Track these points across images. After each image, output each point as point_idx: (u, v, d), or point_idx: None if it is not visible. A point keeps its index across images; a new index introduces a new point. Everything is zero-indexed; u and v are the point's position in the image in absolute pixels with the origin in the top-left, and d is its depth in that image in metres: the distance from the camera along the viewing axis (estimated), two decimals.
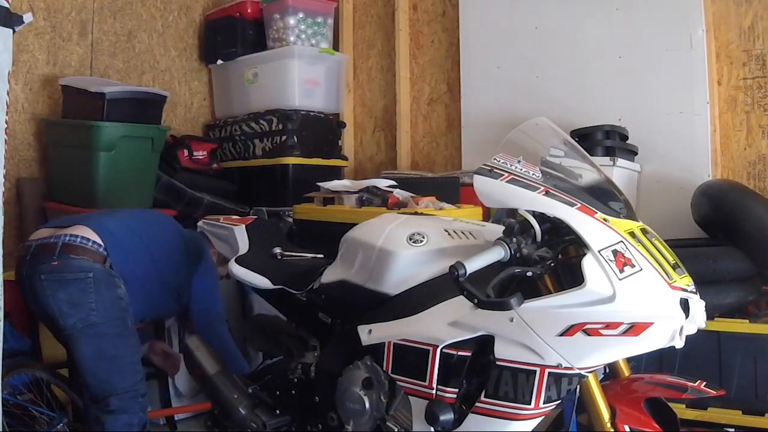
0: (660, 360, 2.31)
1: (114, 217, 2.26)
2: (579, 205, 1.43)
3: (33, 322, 2.94)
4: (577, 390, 1.47)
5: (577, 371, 1.38)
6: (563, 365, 1.38)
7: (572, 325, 1.36)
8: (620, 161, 2.75)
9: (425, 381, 1.57)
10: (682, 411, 2.28)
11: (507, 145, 1.61)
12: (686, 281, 1.41)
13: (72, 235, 2.04)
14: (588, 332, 1.35)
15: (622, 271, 1.35)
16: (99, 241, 2.06)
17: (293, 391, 2.06)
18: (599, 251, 1.36)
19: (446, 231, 1.78)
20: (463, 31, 3.48)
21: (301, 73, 3.59)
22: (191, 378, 2.32)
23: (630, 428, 1.46)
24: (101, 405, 1.97)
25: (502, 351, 1.45)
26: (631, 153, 2.88)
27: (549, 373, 1.39)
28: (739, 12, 2.84)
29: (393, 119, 3.80)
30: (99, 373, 1.99)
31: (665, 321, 1.33)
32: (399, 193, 2.64)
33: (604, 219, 1.42)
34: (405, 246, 1.74)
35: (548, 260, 1.44)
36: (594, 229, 1.40)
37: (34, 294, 2.02)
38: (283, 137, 3.53)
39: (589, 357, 1.37)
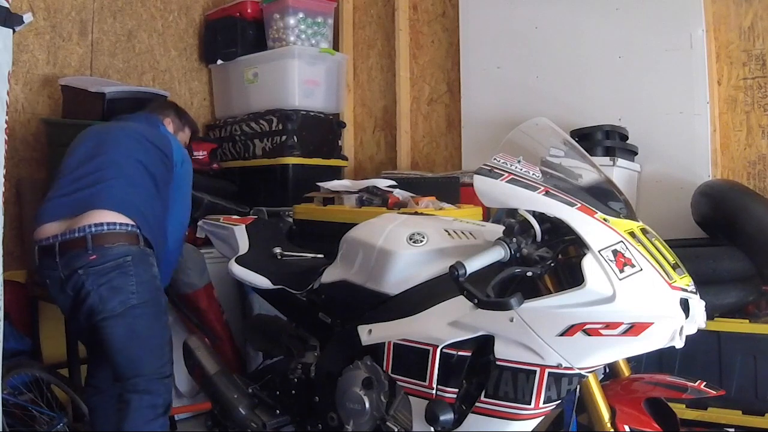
0: (660, 360, 2.30)
1: (118, 182, 2.12)
2: (579, 205, 1.44)
3: (33, 322, 2.94)
4: (577, 390, 1.47)
5: (577, 371, 1.38)
6: (563, 365, 1.38)
7: (572, 325, 1.36)
8: (620, 161, 2.74)
9: (425, 381, 1.57)
10: (682, 411, 2.28)
11: (507, 145, 1.61)
12: (686, 281, 1.41)
13: (96, 225, 1.97)
14: (588, 332, 1.35)
15: (622, 271, 1.35)
16: (126, 221, 2.01)
17: (293, 391, 2.06)
18: (599, 251, 1.36)
19: (446, 231, 1.78)
20: (463, 31, 3.48)
21: (301, 73, 3.59)
22: (191, 378, 2.32)
23: (630, 428, 1.46)
24: (127, 384, 1.98)
25: (502, 351, 1.46)
26: (631, 153, 2.88)
27: (549, 373, 1.40)
28: (739, 12, 2.83)
29: (393, 119, 3.80)
30: (130, 353, 1.99)
31: (665, 321, 1.33)
32: (399, 193, 2.64)
33: (604, 219, 1.42)
34: (405, 246, 1.74)
35: (548, 260, 1.45)
36: (594, 229, 1.40)
37: (74, 288, 1.97)
38: (283, 137, 3.53)
39: (589, 357, 1.37)
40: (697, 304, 1.39)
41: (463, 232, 1.78)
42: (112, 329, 1.97)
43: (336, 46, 3.87)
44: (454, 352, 1.55)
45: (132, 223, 2.02)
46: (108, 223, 1.98)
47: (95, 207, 2.01)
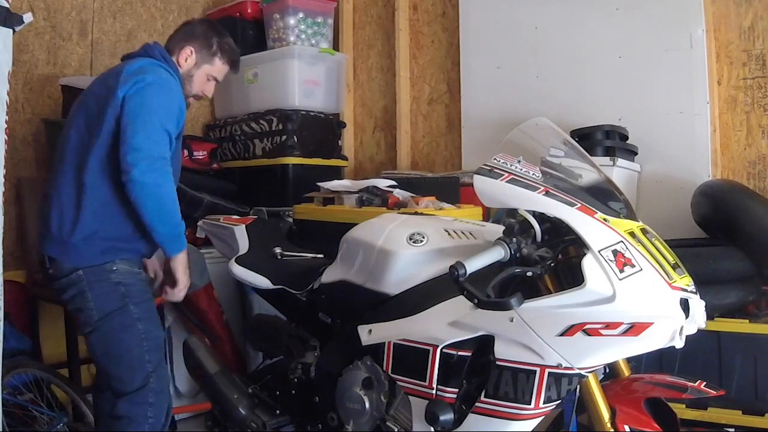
0: (660, 360, 2.30)
1: (53, 201, 1.96)
2: (579, 205, 1.44)
3: (33, 322, 2.94)
4: (577, 390, 1.47)
5: (577, 371, 1.38)
6: (563, 365, 1.38)
7: (572, 325, 1.36)
8: (620, 161, 2.74)
9: (425, 381, 1.57)
10: (682, 411, 2.28)
11: (507, 145, 1.61)
12: (686, 281, 1.41)
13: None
14: (588, 332, 1.35)
15: (622, 271, 1.35)
16: None
17: (293, 391, 2.06)
18: (599, 251, 1.36)
19: (446, 231, 1.78)
20: (463, 31, 3.48)
21: (301, 73, 3.59)
22: (191, 378, 2.32)
23: (630, 428, 1.46)
24: (113, 411, 1.91)
25: (502, 351, 1.46)
26: (631, 153, 2.88)
27: (549, 373, 1.40)
28: (739, 12, 2.83)
29: (393, 119, 3.80)
30: (109, 371, 1.94)
31: (665, 321, 1.33)
32: (399, 193, 2.64)
33: (604, 219, 1.42)
34: (405, 246, 1.74)
35: (548, 260, 1.45)
36: (594, 229, 1.40)
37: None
38: (283, 137, 3.53)
39: (589, 357, 1.37)
40: (697, 304, 1.39)
41: (463, 232, 1.78)
42: (91, 345, 1.95)
43: (336, 46, 3.87)
44: (454, 352, 1.55)
45: None
46: (51, 241, 1.94)
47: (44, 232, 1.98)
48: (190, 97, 2.19)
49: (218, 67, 2.20)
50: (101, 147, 1.90)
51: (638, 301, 1.34)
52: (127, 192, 1.83)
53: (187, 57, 2.13)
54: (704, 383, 1.46)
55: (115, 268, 1.93)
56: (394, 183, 2.75)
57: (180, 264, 1.97)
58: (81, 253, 1.91)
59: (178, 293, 2.01)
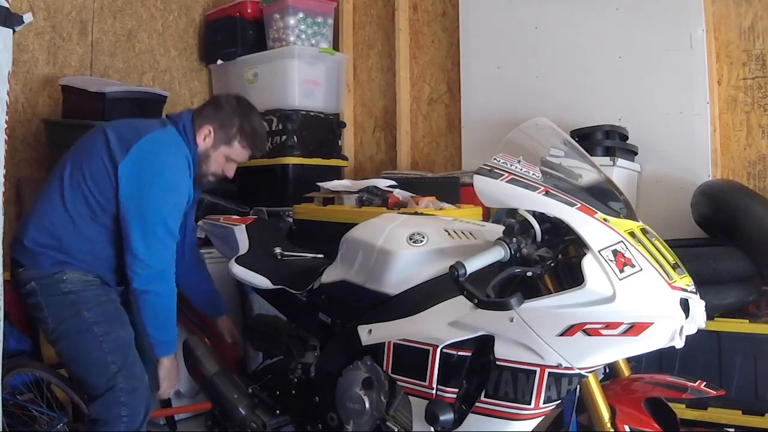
0: (660, 360, 2.30)
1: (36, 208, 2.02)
2: (579, 205, 1.44)
3: (33, 322, 2.94)
4: (577, 390, 1.47)
5: (577, 371, 1.38)
6: (563, 365, 1.38)
7: (572, 325, 1.36)
8: (620, 161, 2.74)
9: (425, 381, 1.57)
10: (682, 411, 2.28)
11: (507, 145, 1.61)
12: (686, 281, 1.41)
13: (12, 245, 1.98)
14: (588, 332, 1.35)
15: (622, 271, 1.35)
16: (30, 245, 1.96)
17: (293, 391, 2.06)
18: (599, 251, 1.36)
19: (446, 231, 1.78)
20: (463, 31, 3.48)
21: (301, 73, 3.58)
22: (191, 378, 2.32)
23: (630, 428, 1.46)
24: (89, 416, 1.94)
25: (502, 351, 1.46)
26: (631, 153, 2.88)
27: (549, 373, 1.40)
28: (739, 12, 2.83)
29: (393, 119, 3.80)
30: (75, 376, 1.99)
31: (665, 321, 1.33)
32: (399, 193, 2.64)
33: (604, 219, 1.42)
34: (405, 246, 1.74)
35: (548, 260, 1.44)
36: (594, 229, 1.40)
37: None
38: (283, 137, 3.53)
39: (589, 357, 1.37)
40: (697, 304, 1.39)
41: (463, 232, 1.78)
42: (57, 354, 2.00)
43: (336, 46, 3.87)
44: (454, 352, 1.55)
45: (36, 248, 1.95)
46: (17, 244, 1.98)
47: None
48: (209, 176, 2.15)
49: (237, 150, 2.14)
50: (91, 190, 1.96)
51: (638, 301, 1.34)
52: (129, 293, 1.98)
53: (205, 136, 2.09)
54: (704, 383, 1.46)
55: (65, 278, 1.95)
56: (394, 183, 2.75)
57: (164, 367, 2.01)
58: (36, 260, 1.94)
59: (161, 395, 2.06)
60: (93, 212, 1.96)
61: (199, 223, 2.59)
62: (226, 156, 2.14)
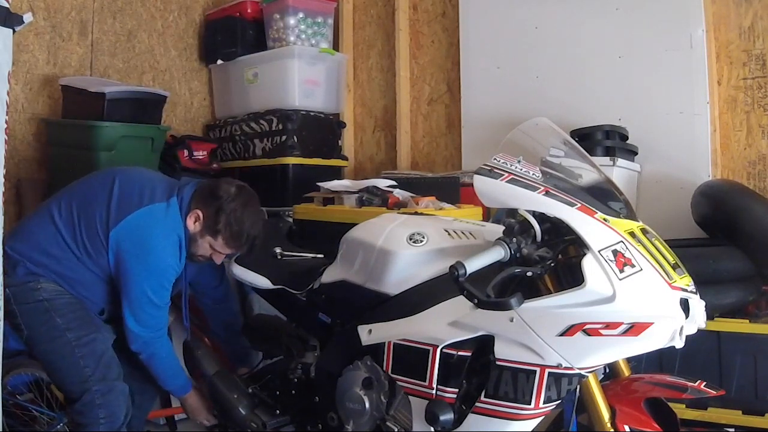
0: (660, 360, 2.30)
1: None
2: (579, 205, 1.44)
3: None
4: (577, 390, 1.47)
5: (577, 371, 1.38)
6: (563, 365, 1.38)
7: (572, 325, 1.36)
8: (620, 161, 2.74)
9: (425, 381, 1.57)
10: (682, 411, 2.27)
11: (507, 145, 1.61)
12: (686, 281, 1.41)
13: None
14: (588, 332, 1.35)
15: (622, 271, 1.35)
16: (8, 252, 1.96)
17: (293, 391, 2.06)
18: (599, 251, 1.36)
19: (446, 231, 1.78)
20: (463, 31, 3.48)
21: (301, 73, 3.59)
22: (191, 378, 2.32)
23: (630, 428, 1.46)
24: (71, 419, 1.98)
25: (502, 351, 1.46)
26: (631, 153, 2.88)
27: (549, 373, 1.40)
28: (739, 12, 2.83)
29: (393, 119, 3.80)
30: (55, 380, 2.04)
31: (665, 321, 1.33)
32: (399, 193, 2.64)
33: (604, 219, 1.42)
34: (405, 246, 1.74)
35: (548, 260, 1.45)
36: (594, 229, 1.40)
37: None
38: (283, 137, 3.53)
39: (589, 357, 1.37)
40: (697, 304, 1.39)
41: (463, 232, 1.78)
42: (38, 360, 2.04)
43: (336, 46, 3.87)
44: (454, 352, 1.55)
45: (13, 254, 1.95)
46: None
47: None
48: (198, 257, 2.09)
49: (220, 244, 2.04)
50: (83, 238, 1.99)
51: (638, 301, 1.34)
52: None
53: (195, 220, 2.02)
54: (704, 383, 1.46)
55: (39, 287, 1.97)
56: (394, 183, 2.75)
57: (188, 404, 2.18)
58: (13, 268, 1.94)
59: (204, 423, 2.20)
60: (79, 256, 2.01)
61: None
62: (210, 245, 2.05)
